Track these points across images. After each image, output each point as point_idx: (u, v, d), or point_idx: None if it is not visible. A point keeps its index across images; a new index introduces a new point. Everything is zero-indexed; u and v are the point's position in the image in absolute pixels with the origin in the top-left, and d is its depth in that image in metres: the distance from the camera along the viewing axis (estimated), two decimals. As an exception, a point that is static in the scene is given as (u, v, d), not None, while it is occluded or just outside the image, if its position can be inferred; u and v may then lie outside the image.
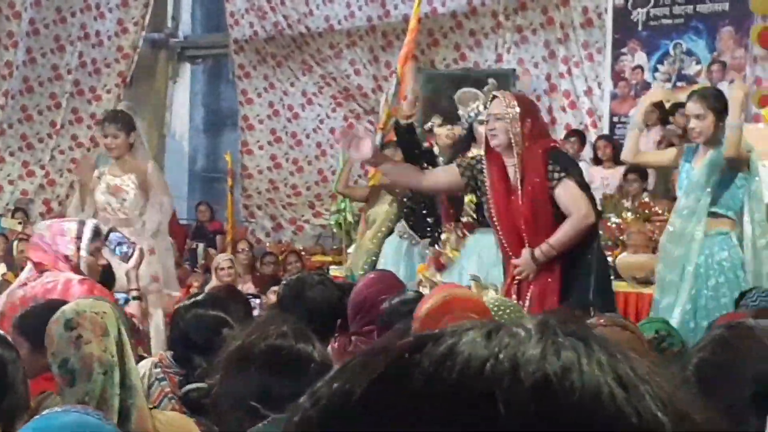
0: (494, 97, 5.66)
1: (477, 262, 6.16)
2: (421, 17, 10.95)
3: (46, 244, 4.87)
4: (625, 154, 6.49)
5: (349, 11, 13.88)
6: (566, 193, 5.41)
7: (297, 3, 14.19)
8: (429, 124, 8.00)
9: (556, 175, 5.40)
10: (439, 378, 0.78)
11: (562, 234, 5.38)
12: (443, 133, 7.61)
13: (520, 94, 7.31)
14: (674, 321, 5.63)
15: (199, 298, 4.35)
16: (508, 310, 3.74)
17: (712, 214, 5.96)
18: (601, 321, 3.30)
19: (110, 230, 5.39)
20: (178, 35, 15.56)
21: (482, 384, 0.78)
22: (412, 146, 7.18)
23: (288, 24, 14.25)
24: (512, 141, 5.41)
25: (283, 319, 2.90)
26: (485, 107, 6.10)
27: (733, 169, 5.94)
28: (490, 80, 7.06)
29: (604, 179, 10.57)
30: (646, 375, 0.81)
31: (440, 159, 7.25)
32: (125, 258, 5.19)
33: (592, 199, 5.63)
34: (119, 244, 5.21)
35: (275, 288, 8.65)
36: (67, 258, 4.85)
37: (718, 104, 5.93)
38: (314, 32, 14.11)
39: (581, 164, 11.02)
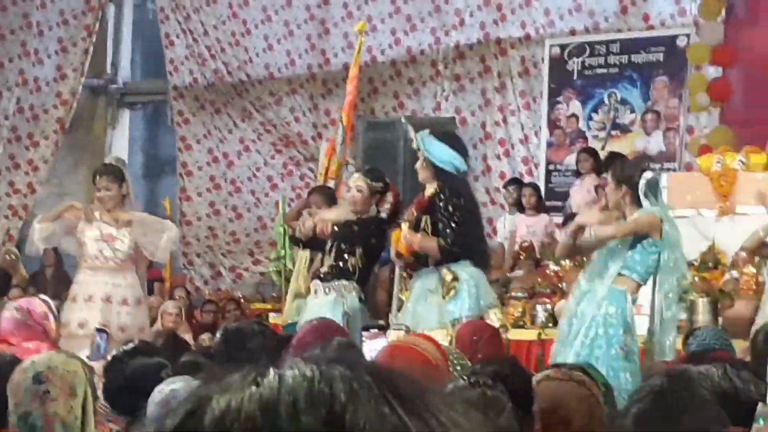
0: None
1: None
2: (361, 65, 11.03)
3: (22, 323, 4.80)
4: (558, 255, 6.77)
5: (289, 59, 13.90)
6: None
7: (237, 51, 14.18)
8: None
9: None
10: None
11: None
12: (351, 184, 7.49)
13: None
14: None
15: (137, 345, 4.31)
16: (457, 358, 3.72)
17: (618, 274, 6.09)
18: (558, 375, 3.24)
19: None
20: (117, 81, 15.44)
21: None
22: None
23: (228, 71, 14.23)
24: None
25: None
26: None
27: (641, 236, 6.08)
28: (403, 118, 7.36)
29: (529, 227, 10.64)
30: (427, 396, 0.86)
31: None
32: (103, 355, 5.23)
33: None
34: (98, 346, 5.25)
35: (206, 335, 8.65)
36: (46, 333, 4.81)
37: (620, 173, 6.18)
38: (254, 80, 14.10)
39: (504, 213, 11.24)
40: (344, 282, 6.79)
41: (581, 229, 6.29)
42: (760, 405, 1.82)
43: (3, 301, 8.99)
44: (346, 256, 6.85)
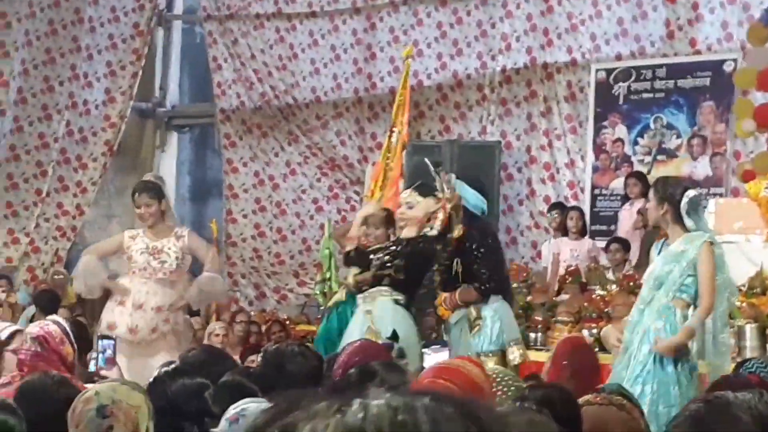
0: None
1: None
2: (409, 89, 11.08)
3: (38, 354, 4.80)
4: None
5: (336, 83, 13.98)
6: None
7: (284, 74, 14.28)
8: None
9: None
10: None
11: None
12: (402, 201, 7.62)
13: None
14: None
15: (179, 366, 4.32)
16: (504, 381, 3.72)
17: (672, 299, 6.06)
18: (598, 399, 3.24)
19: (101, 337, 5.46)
20: (165, 104, 15.56)
21: None
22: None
23: (275, 95, 14.32)
24: None
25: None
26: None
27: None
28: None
29: (573, 250, 10.61)
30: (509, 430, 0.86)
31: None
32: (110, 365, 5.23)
33: None
34: (104, 350, 5.23)
35: (253, 357, 8.70)
36: (63, 359, 4.81)
37: (662, 190, 6.14)
38: (301, 103, 14.17)
39: (549, 237, 11.21)
40: (381, 288, 6.93)
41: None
42: None
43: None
44: (386, 268, 6.96)
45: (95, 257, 7.45)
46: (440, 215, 6.95)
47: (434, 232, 6.95)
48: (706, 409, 2.03)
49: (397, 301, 6.93)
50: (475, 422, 0.86)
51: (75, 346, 4.87)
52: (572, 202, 11.98)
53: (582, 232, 10.80)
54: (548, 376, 4.24)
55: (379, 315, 6.85)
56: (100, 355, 5.10)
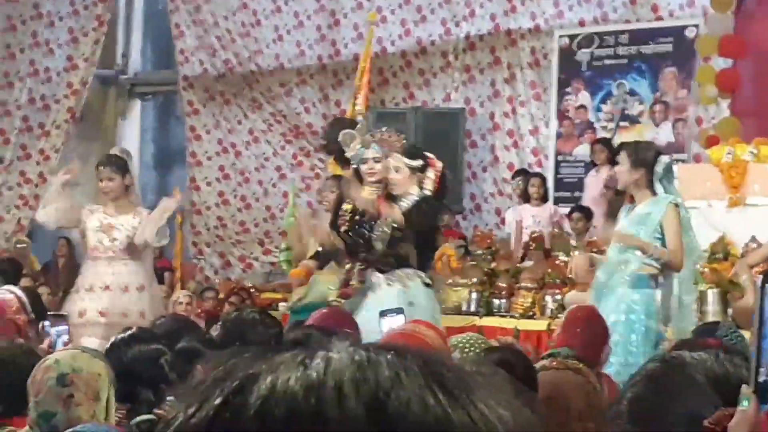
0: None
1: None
2: (372, 56, 11.07)
3: None
4: None
5: (300, 50, 13.91)
6: None
7: (247, 41, 14.19)
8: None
9: None
10: (269, 417, 0.84)
11: None
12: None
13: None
14: None
15: (135, 332, 4.27)
16: (468, 346, 3.74)
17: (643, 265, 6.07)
18: (554, 363, 3.27)
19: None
20: (128, 72, 15.46)
21: (311, 415, 0.83)
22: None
23: (238, 62, 14.24)
24: None
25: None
26: (362, 146, 6.54)
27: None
28: (360, 118, 7.18)
29: (534, 217, 10.65)
30: (472, 386, 0.86)
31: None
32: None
33: None
34: (59, 336, 5.15)
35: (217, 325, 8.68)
36: (19, 328, 4.77)
37: (634, 154, 6.10)
38: (265, 70, 14.10)
39: (513, 204, 11.21)
40: (407, 270, 6.46)
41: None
42: (743, 386, 1.85)
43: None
44: (394, 241, 6.55)
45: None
46: (430, 175, 6.63)
47: (427, 193, 6.59)
48: (662, 369, 2.05)
49: (427, 285, 6.48)
50: (437, 377, 0.87)
51: (31, 315, 4.84)
52: (536, 169, 12.02)
53: (543, 199, 10.84)
54: (558, 342, 4.22)
55: (417, 302, 6.35)
56: (58, 340, 5.03)
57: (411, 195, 6.52)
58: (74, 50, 14.53)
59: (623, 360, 5.89)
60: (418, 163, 6.61)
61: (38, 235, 13.14)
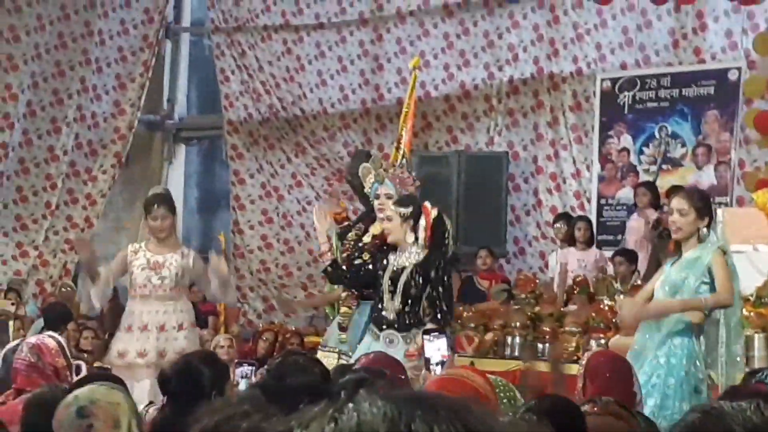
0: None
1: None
2: (416, 100, 11.08)
3: (33, 365, 4.77)
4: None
5: (343, 94, 13.96)
6: None
7: (291, 86, 14.25)
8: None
9: None
10: None
11: None
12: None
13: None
14: None
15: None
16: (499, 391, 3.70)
17: None
18: (595, 409, 3.19)
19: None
20: (173, 117, 15.50)
21: None
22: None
23: (282, 106, 14.29)
24: None
25: (245, 399, 2.83)
26: (376, 180, 6.56)
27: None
28: (374, 152, 7.13)
29: (580, 261, 10.58)
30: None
31: None
32: None
33: None
34: None
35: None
36: (57, 372, 4.79)
37: (701, 203, 5.99)
38: (308, 115, 14.12)
39: (556, 248, 11.13)
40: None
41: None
42: None
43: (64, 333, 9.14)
44: (416, 299, 6.45)
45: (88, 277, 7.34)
46: (422, 223, 6.51)
47: (420, 243, 6.49)
48: (701, 420, 2.03)
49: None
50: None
51: (70, 360, 4.86)
52: (579, 212, 11.94)
53: (589, 242, 10.77)
54: (585, 391, 4.09)
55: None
56: None
57: (411, 249, 6.46)
58: (121, 96, 14.65)
59: (659, 403, 5.80)
60: (408, 210, 6.49)
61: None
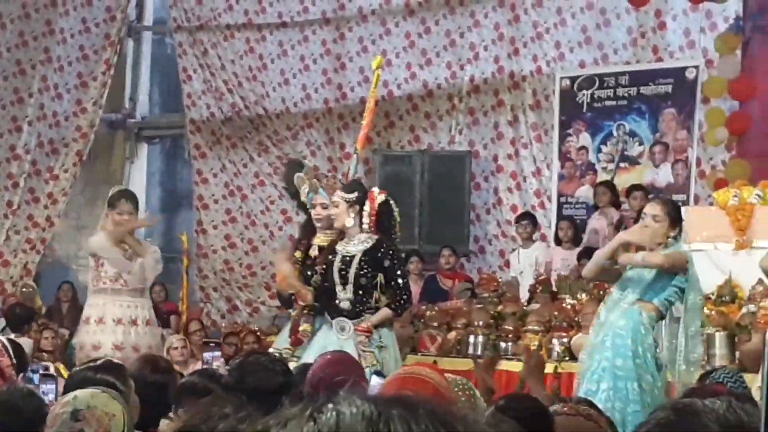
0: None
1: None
2: (378, 99, 11.04)
3: None
4: (586, 274, 6.71)
5: (306, 93, 13.85)
6: None
7: (254, 85, 14.12)
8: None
9: None
10: None
11: None
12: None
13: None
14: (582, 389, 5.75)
15: (98, 363, 4.13)
16: (458, 389, 3.68)
17: (638, 300, 6.04)
18: (565, 409, 3.17)
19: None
20: (135, 115, 15.35)
21: None
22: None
23: (245, 105, 14.16)
24: None
25: (226, 400, 2.82)
26: (310, 190, 6.66)
27: (670, 272, 6.03)
28: (306, 162, 7.25)
29: (564, 260, 10.56)
30: None
31: None
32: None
33: None
34: (45, 394, 5.01)
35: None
36: (2, 372, 4.73)
37: (675, 212, 6.08)
38: (271, 114, 14.00)
39: (539, 245, 11.14)
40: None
41: (622, 248, 6.19)
42: None
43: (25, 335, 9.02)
44: (368, 288, 6.53)
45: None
46: (366, 208, 6.56)
47: (365, 227, 6.55)
48: (675, 417, 1.99)
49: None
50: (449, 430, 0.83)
51: (14, 360, 4.81)
52: (540, 211, 11.97)
53: (574, 242, 10.76)
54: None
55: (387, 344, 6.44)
56: (45, 398, 4.91)
57: (359, 237, 6.52)
58: (83, 94, 14.46)
59: (612, 385, 5.86)
60: (353, 195, 6.56)
61: (43, 279, 13.09)
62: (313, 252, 6.87)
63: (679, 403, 2.23)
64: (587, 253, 10.06)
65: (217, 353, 5.22)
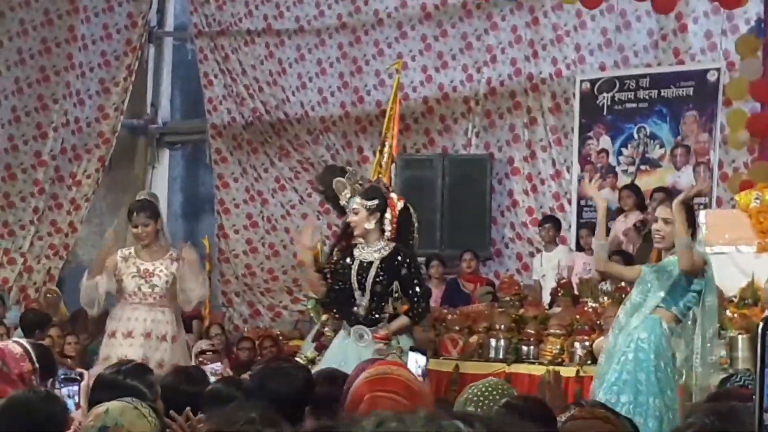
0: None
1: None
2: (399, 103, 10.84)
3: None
4: (596, 265, 6.67)
5: (322, 97, 13.70)
6: None
7: (274, 90, 13.98)
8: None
9: None
10: None
11: None
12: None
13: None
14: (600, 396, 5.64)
15: (125, 367, 4.04)
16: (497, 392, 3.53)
17: (657, 307, 5.90)
18: (582, 413, 3.09)
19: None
20: (157, 121, 15.27)
21: None
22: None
23: (266, 110, 14.05)
24: None
25: (251, 406, 2.82)
26: (351, 195, 6.48)
27: (688, 276, 5.85)
28: (349, 168, 7.12)
29: (586, 264, 10.35)
30: None
31: None
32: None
33: None
34: (70, 397, 4.91)
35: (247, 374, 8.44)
36: (23, 377, 4.62)
37: (692, 216, 5.94)
38: (291, 118, 13.88)
39: (562, 249, 10.91)
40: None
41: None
42: None
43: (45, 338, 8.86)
44: (383, 296, 6.44)
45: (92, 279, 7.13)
46: (387, 215, 6.49)
47: (387, 236, 6.47)
48: (719, 422, 1.88)
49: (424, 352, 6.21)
50: None
51: (36, 365, 4.67)
52: (558, 214, 11.77)
53: None
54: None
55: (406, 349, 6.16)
56: (68, 401, 4.79)
57: (377, 244, 6.42)
58: (105, 100, 14.38)
59: (632, 399, 5.72)
60: (373, 202, 6.46)
61: (67, 284, 12.93)
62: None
63: (718, 407, 2.16)
64: (620, 255, 9.86)
65: (217, 365, 4.97)
